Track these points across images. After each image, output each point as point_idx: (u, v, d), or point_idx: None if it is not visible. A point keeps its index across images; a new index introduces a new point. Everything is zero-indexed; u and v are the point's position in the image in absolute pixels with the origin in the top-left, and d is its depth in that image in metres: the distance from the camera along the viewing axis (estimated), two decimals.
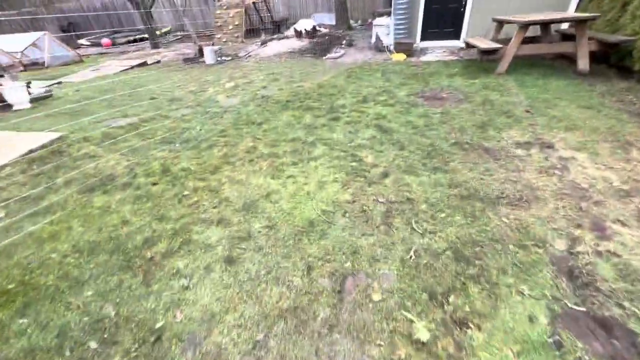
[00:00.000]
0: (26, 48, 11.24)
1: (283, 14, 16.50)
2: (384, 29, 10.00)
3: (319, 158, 3.46)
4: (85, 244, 2.46)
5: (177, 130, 4.42)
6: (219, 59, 9.79)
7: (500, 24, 6.88)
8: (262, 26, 15.60)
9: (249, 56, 10.37)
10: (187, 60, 9.33)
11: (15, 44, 11.46)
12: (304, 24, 13.24)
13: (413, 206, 2.59)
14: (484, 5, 8.28)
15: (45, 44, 11.72)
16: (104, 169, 3.57)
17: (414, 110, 4.69)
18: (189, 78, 7.18)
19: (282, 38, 12.40)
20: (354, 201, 2.71)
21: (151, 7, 13.95)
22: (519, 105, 4.47)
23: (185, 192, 3.02)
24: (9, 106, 6.31)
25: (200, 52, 9.40)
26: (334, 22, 13.74)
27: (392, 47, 9.38)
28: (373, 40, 10.48)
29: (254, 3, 15.11)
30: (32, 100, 6.47)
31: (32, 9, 18.86)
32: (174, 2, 17.89)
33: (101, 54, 14.97)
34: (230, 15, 13.21)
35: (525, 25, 5.51)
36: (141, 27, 16.72)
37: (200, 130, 4.38)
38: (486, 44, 6.14)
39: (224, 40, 13.29)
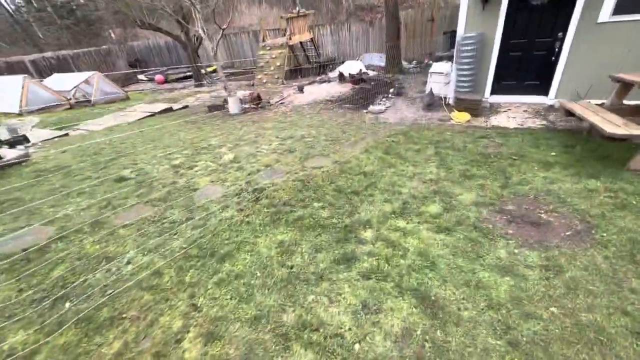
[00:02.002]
0: (75, 87, 11.31)
1: (332, 53, 15.35)
2: (442, 77, 7.99)
3: None
4: None
5: (90, 266, 2.83)
6: (246, 106, 8.57)
7: (627, 85, 4.50)
8: (308, 66, 14.53)
9: (282, 103, 9.03)
10: (211, 107, 8.30)
11: (67, 82, 11.64)
12: (350, 66, 11.75)
13: None
14: (587, 54, 5.90)
15: (95, 83, 11.75)
16: None
17: (490, 250, 2.59)
18: (192, 138, 5.83)
19: (325, 81, 11.00)
20: None
21: (198, 48, 13.68)
22: None
23: None
24: None
25: (226, 100, 8.31)
26: (384, 64, 12.05)
27: (451, 100, 7.31)
28: (427, 89, 8.50)
29: (301, 42, 14.18)
30: None
31: (107, 47, 20.35)
32: (228, 40, 17.89)
33: (153, 90, 15.07)
34: (273, 56, 12.29)
35: None
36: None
37: (121, 270, 2.68)
38: (607, 119, 3.82)
39: (264, 81, 12.33)
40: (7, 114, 9.94)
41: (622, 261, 2.38)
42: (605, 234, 2.66)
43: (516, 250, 2.58)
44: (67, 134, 6.74)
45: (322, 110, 7.82)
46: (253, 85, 12.56)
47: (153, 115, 8.04)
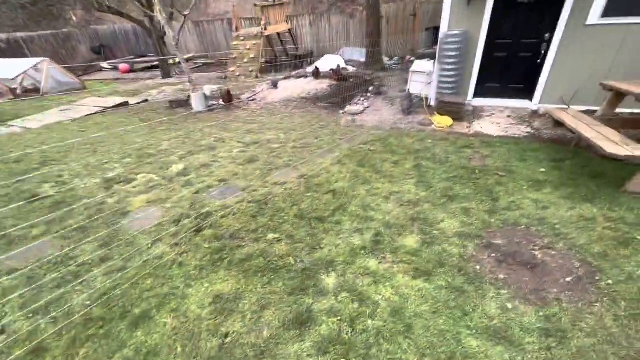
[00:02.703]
0: (19, 75, 10.03)
1: (311, 46, 14.58)
2: (424, 77, 7.50)
3: None
4: None
5: None
6: (213, 103, 7.77)
7: (619, 95, 4.13)
8: (284, 60, 13.73)
9: (253, 100, 8.28)
10: (173, 103, 7.45)
11: (11, 69, 10.32)
12: (328, 61, 11.08)
13: None
14: (574, 58, 5.55)
15: (44, 71, 10.49)
16: None
17: (478, 304, 2.09)
18: (141, 142, 4.98)
19: (301, 76, 10.28)
20: None
21: (164, 35, 12.55)
22: None
23: None
24: None
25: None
26: (364, 59, 11.46)
27: (432, 102, 6.84)
28: (408, 90, 8.00)
29: (278, 34, 13.33)
30: None
31: (68, 30, 18.61)
32: (201, 28, 16.70)
33: (116, 79, 13.83)
34: (247, 47, 11.41)
35: None
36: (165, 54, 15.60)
37: None
38: (602, 134, 3.40)
39: (238, 74, 11.46)
40: None
41: (637, 322, 1.93)
42: (611, 281, 2.22)
43: (509, 305, 2.09)
44: None
45: (295, 110, 7.16)
46: (225, 78, 11.67)
47: (104, 111, 7.10)
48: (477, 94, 6.62)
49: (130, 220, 2.99)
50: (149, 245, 2.64)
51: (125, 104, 7.67)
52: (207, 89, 8.67)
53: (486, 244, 2.65)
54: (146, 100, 8.20)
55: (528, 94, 6.25)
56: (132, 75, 14.25)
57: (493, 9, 5.67)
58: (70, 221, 3.00)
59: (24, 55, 16.04)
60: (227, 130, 5.63)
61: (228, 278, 2.29)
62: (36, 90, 10.46)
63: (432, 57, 8.42)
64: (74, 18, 20.31)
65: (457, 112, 5.97)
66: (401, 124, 6.00)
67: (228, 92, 7.65)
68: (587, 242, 2.58)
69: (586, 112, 5.74)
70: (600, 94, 5.65)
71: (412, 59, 11.56)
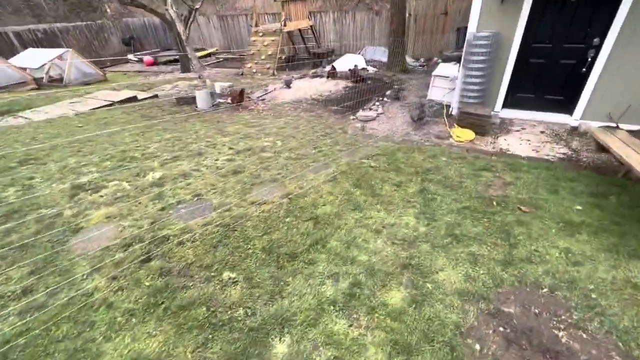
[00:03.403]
0: (43, 65, 10.25)
1: (334, 44, 13.98)
2: (447, 82, 6.74)
3: None
4: None
5: None
6: (219, 101, 7.44)
7: None
8: (304, 57, 13.24)
9: (262, 99, 7.88)
10: (180, 100, 7.20)
11: (38, 59, 10.58)
12: (348, 61, 10.47)
13: None
14: (630, 67, 4.64)
15: (68, 62, 10.67)
16: None
17: None
18: (130, 142, 4.66)
19: (317, 76, 9.76)
20: None
21: (186, 27, 12.43)
22: None
23: None
24: None
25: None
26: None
27: (454, 111, 6.10)
28: (429, 95, 7.26)
29: (300, 30, 12.86)
30: None
31: (101, 22, 19.16)
32: (225, 22, 16.56)
33: (139, 71, 13.98)
34: (265, 43, 11.02)
35: None
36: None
37: None
38: None
39: (254, 71, 11.12)
40: None
41: None
42: None
43: None
44: None
45: (303, 113, 6.67)
46: (242, 74, 11.37)
47: (112, 104, 6.98)
48: (506, 105, 5.81)
49: (79, 239, 2.64)
50: (84, 277, 2.27)
51: (134, 98, 7.51)
52: (218, 86, 8.38)
53: (494, 312, 2.04)
54: (156, 96, 8.03)
55: (568, 107, 5.37)
56: (155, 68, 14.35)
57: (532, 7, 4.85)
58: (14, 236, 2.71)
59: (59, 46, 16.62)
60: (223, 133, 5.24)
61: (157, 333, 1.86)
62: (60, 80, 10.66)
63: (459, 60, 7.62)
64: (109, 10, 20.94)
65: (481, 124, 5.23)
66: (415, 135, 5.35)
67: (241, 91, 7.25)
68: (632, 325, 1.91)
69: (639, 133, 4.84)
70: None
71: (439, 60, 10.70)
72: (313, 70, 10.56)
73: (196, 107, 6.90)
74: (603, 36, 4.67)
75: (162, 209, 3.03)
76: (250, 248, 2.53)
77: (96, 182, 3.50)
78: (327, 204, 3.20)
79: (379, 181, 3.66)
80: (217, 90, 8.28)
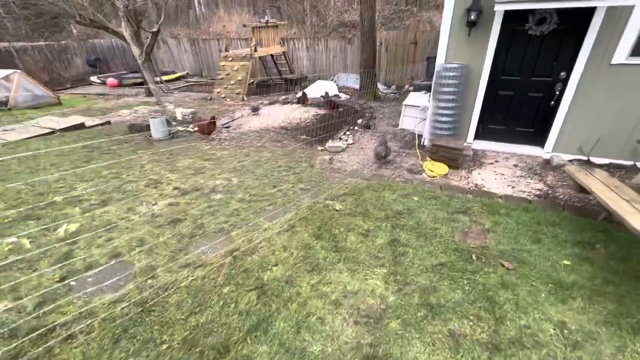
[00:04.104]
0: None
1: (308, 70, 13.86)
2: (418, 112, 6.53)
3: None
4: None
5: None
6: (179, 128, 6.82)
7: None
8: (278, 81, 12.99)
9: (227, 127, 7.34)
10: (132, 128, 6.53)
11: None
12: (320, 87, 10.25)
13: None
14: (596, 101, 4.54)
15: (15, 84, 9.73)
16: None
17: None
18: (54, 181, 3.90)
19: (288, 102, 9.40)
20: None
21: (150, 51, 11.88)
22: None
23: None
24: None
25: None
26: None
27: (427, 141, 5.82)
28: (400, 125, 7.01)
29: (272, 56, 12.64)
30: None
31: (65, 42, 18.24)
32: (197, 46, 16.16)
33: (100, 94, 13.11)
34: (235, 68, 10.63)
35: None
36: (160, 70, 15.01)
37: None
38: None
39: (223, 96, 10.64)
40: None
41: None
42: None
43: None
44: None
45: (269, 143, 6.17)
46: (210, 99, 10.85)
47: (53, 132, 6.18)
48: (478, 136, 5.60)
49: None
50: None
51: (81, 125, 6.74)
52: (179, 112, 7.79)
53: None
54: (108, 122, 7.29)
55: (539, 139, 5.21)
56: (119, 90, 13.55)
57: (498, 41, 4.73)
58: None
59: (15, 66, 15.48)
60: (173, 168, 4.60)
61: None
62: (5, 103, 9.66)
63: (429, 89, 7.51)
64: (74, 30, 20.07)
65: (453, 158, 4.93)
66: (386, 168, 4.95)
67: (212, 121, 6.62)
68: None
69: (610, 167, 4.69)
70: (628, 146, 4.63)
71: (411, 88, 10.72)
72: (283, 97, 10.21)
73: (150, 136, 6.24)
74: (569, 70, 4.58)
75: (62, 279, 2.34)
76: (166, 341, 1.89)
77: None
78: (279, 264, 2.63)
79: (343, 229, 3.15)
80: (179, 117, 7.68)
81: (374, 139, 6.38)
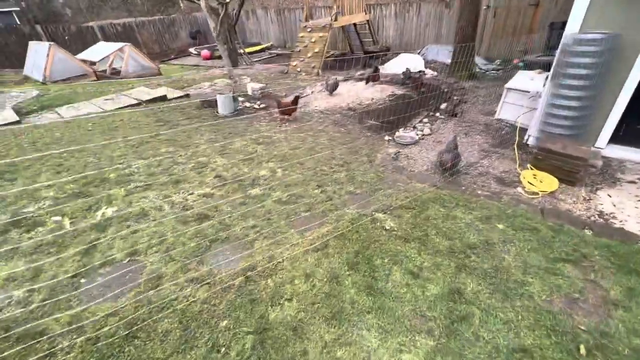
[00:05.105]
0: (103, 58, 10.72)
1: (394, 41, 12.36)
2: (526, 99, 4.95)
3: None
4: None
5: None
6: (247, 104, 6.70)
7: None
8: (358, 54, 11.94)
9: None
10: (204, 102, 6.63)
11: (99, 53, 11.13)
12: (403, 62, 8.93)
13: None
14: None
15: (125, 56, 11.03)
16: None
17: None
18: (113, 158, 3.97)
19: (362, 79, 8.47)
20: None
21: (235, 23, 12.02)
22: None
23: None
24: None
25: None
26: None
27: (532, 140, 4.40)
28: (498, 114, 5.50)
29: (355, 25, 11.56)
30: None
31: (173, 16, 20.13)
32: (282, 16, 15.93)
33: (195, 65, 14.18)
34: (313, 40, 9.99)
35: None
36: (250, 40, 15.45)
37: None
38: None
39: (299, 69, 10.21)
40: (35, 82, 9.71)
41: None
42: None
43: None
44: (19, 121, 5.71)
45: (331, 127, 5.54)
46: (286, 73, 10.58)
47: (140, 104, 6.71)
48: (615, 140, 3.96)
49: None
50: None
51: (164, 98, 7.18)
52: (249, 87, 7.66)
53: None
54: (187, 95, 7.61)
55: None
56: (209, 62, 14.39)
57: None
58: None
59: (135, 39, 17.80)
60: (224, 151, 4.40)
61: None
62: (118, 72, 11.10)
63: (547, 68, 5.68)
64: (182, 5, 22.00)
65: (570, 170, 3.54)
66: (466, 173, 3.87)
67: (296, 99, 5.95)
68: None
69: None
70: None
71: (520, 64, 8.52)
72: (361, 72, 9.25)
73: (217, 112, 6.23)
74: None
75: (74, 276, 2.27)
76: None
77: (39, 215, 2.91)
78: (294, 298, 2.10)
79: (388, 260, 2.43)
80: (249, 92, 7.57)
81: (458, 131, 5.15)
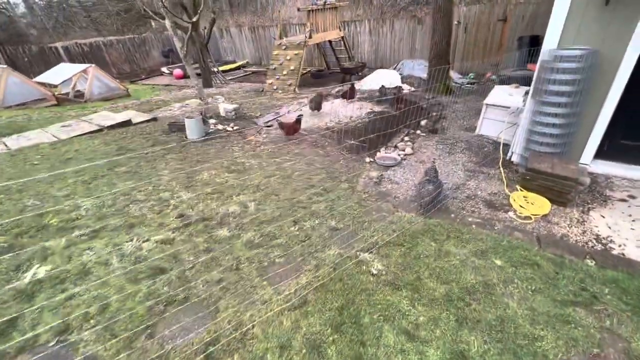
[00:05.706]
0: (64, 81, 10.03)
1: (369, 56, 12.39)
2: (505, 114, 4.83)
3: None
4: None
5: None
6: (219, 127, 6.28)
7: None
8: (334, 71, 11.88)
9: (269, 125, 6.57)
10: (172, 126, 6.16)
11: (60, 75, 10.44)
12: (380, 77, 8.85)
13: None
14: None
15: (90, 77, 10.38)
16: None
17: None
18: (58, 197, 3.36)
19: (339, 96, 8.27)
20: None
21: (207, 42, 11.72)
22: None
23: None
24: None
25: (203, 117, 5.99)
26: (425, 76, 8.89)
27: (516, 157, 4.24)
28: (478, 130, 5.37)
29: (330, 42, 11.49)
30: None
31: (144, 35, 19.55)
32: (257, 34, 15.75)
33: (166, 85, 13.61)
34: (288, 57, 9.79)
35: None
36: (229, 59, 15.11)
37: None
38: None
39: (275, 87, 9.93)
40: None
41: None
42: None
43: None
44: None
45: (309, 148, 5.21)
46: (262, 91, 10.28)
47: (101, 130, 6.14)
48: (601, 155, 3.84)
49: None
50: None
51: (128, 122, 6.63)
52: (222, 108, 7.26)
53: None
54: (155, 119, 7.10)
55: None
56: (182, 81, 13.89)
57: None
58: None
59: (102, 59, 17.07)
60: (190, 182, 3.95)
61: None
62: (81, 95, 10.41)
63: (524, 82, 5.66)
64: (153, 24, 21.48)
65: (560, 189, 3.35)
66: (454, 197, 3.60)
67: (298, 120, 5.57)
68: None
69: None
70: None
71: (493, 77, 8.62)
72: (337, 89, 9.07)
73: (185, 137, 5.78)
74: None
75: None
76: None
77: None
78: None
79: (378, 316, 2.06)
80: (222, 113, 7.16)
81: (441, 149, 4.94)
